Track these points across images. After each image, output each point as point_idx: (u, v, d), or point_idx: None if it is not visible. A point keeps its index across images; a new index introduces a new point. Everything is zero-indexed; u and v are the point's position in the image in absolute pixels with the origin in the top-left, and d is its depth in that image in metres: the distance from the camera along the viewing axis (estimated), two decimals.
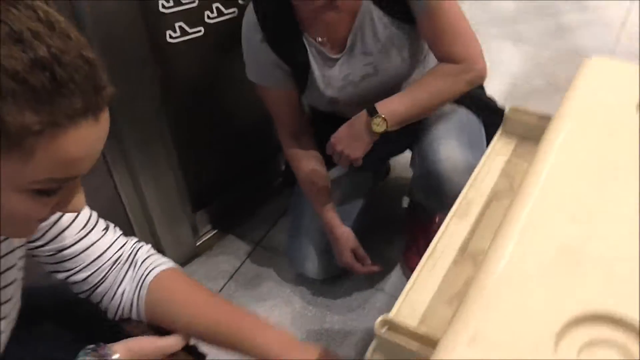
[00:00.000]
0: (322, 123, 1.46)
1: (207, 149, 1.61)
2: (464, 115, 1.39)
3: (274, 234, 1.78)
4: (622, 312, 0.48)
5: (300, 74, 1.33)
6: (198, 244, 1.69)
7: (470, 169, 1.30)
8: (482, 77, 1.27)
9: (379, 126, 1.23)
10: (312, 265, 1.53)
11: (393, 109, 1.24)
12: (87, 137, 0.55)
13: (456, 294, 0.66)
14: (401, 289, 0.67)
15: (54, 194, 0.58)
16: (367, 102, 1.29)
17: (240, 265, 1.68)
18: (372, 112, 1.24)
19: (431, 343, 0.58)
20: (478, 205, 0.76)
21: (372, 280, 1.61)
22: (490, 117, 1.43)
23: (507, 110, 0.87)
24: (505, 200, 0.76)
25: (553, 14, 3.01)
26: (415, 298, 0.66)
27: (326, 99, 1.35)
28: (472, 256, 0.70)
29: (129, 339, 0.77)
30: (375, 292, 1.59)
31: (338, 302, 1.57)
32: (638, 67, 0.78)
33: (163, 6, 1.27)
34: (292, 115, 1.42)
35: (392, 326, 0.60)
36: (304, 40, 1.29)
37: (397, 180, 1.93)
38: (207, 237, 1.72)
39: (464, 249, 0.71)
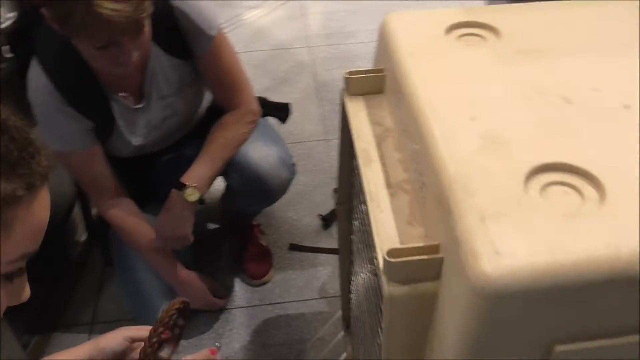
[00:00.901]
0: (127, 165, 1.42)
1: None
2: None
3: (104, 305, 1.64)
4: (576, 161, 0.63)
5: (105, 128, 1.29)
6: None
7: (282, 161, 1.43)
8: (258, 115, 1.41)
9: (192, 195, 1.30)
10: None
11: (198, 175, 1.31)
12: (47, 201, 0.57)
13: (412, 215, 0.75)
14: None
15: (17, 277, 0.57)
16: (170, 138, 1.34)
17: None
18: (180, 187, 1.28)
19: (436, 248, 0.66)
20: (374, 149, 0.85)
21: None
22: (276, 113, 1.57)
23: (345, 75, 0.98)
24: (392, 137, 0.87)
25: None
26: (384, 235, 0.73)
27: (133, 147, 1.34)
28: (399, 186, 0.79)
29: None
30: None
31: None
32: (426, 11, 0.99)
33: None
34: (105, 173, 1.35)
35: (398, 252, 0.66)
36: (108, 96, 1.26)
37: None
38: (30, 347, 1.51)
39: (390, 185, 0.80)
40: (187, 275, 1.46)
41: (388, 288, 0.66)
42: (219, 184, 1.95)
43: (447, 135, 0.70)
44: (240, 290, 1.66)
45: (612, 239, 0.57)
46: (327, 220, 1.85)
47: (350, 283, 1.29)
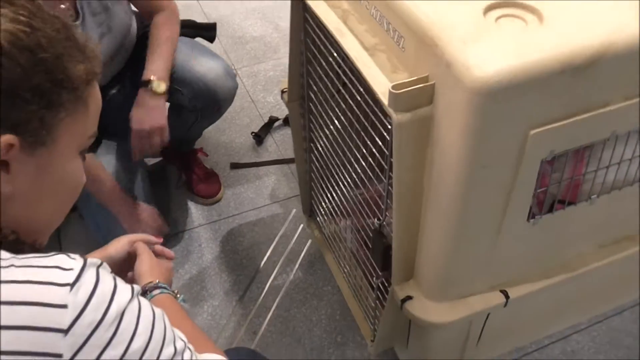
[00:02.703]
0: None
1: None
2: (188, 41, 1.59)
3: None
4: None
5: None
6: None
7: (227, 71, 1.56)
8: (178, 13, 1.53)
9: (159, 87, 1.39)
10: None
11: (157, 69, 1.40)
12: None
13: (394, 66, 0.92)
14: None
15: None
16: (109, 68, 1.40)
17: None
18: (146, 84, 1.37)
19: (426, 79, 0.84)
20: (342, 26, 1.01)
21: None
22: (204, 33, 1.68)
23: None
24: (352, 15, 1.03)
25: None
26: (379, 83, 0.90)
27: None
28: (374, 48, 0.96)
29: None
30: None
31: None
32: None
33: None
34: None
35: (400, 86, 0.83)
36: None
37: None
38: None
39: (366, 49, 0.97)
40: (147, 211, 1.55)
41: (396, 117, 0.84)
42: None
43: None
44: (197, 211, 1.78)
45: (552, 43, 0.79)
46: (259, 137, 1.99)
47: (310, 169, 1.46)
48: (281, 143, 2.00)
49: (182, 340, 0.64)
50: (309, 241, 1.66)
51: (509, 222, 0.94)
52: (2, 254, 0.55)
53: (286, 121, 2.05)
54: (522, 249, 1.01)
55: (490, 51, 0.78)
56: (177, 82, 1.50)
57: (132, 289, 0.60)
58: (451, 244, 0.95)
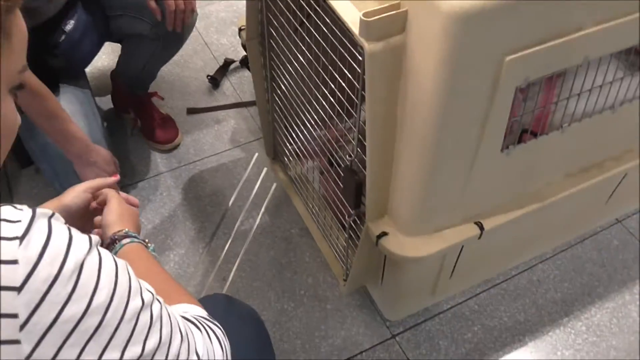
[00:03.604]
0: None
1: None
2: None
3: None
4: None
5: None
6: None
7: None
8: None
9: None
10: None
11: None
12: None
13: None
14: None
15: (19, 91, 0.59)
16: None
17: None
18: None
19: (398, 5, 0.80)
20: None
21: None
22: None
23: None
24: None
25: None
26: (349, 13, 0.85)
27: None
28: None
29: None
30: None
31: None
32: None
33: None
34: None
35: (371, 13, 0.79)
36: None
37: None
38: None
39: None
40: (101, 154, 1.48)
41: (368, 46, 0.80)
42: (108, 64, 1.93)
43: None
44: (156, 158, 1.72)
45: None
46: (216, 80, 1.92)
47: (273, 109, 1.42)
48: (238, 86, 1.93)
49: (150, 291, 0.60)
50: (274, 184, 1.63)
51: (483, 153, 0.93)
52: None
53: (242, 63, 1.98)
54: (496, 180, 1.01)
55: None
56: (139, 10, 1.41)
57: (90, 239, 0.55)
58: (426, 177, 0.93)
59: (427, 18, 0.77)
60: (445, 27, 0.74)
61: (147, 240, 0.83)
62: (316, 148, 1.26)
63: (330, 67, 1.02)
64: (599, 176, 1.13)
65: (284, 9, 1.12)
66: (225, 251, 1.50)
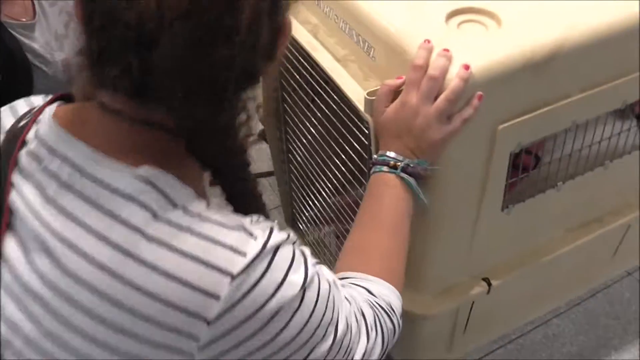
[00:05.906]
0: None
1: None
2: None
3: None
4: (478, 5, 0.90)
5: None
6: None
7: None
8: None
9: None
10: None
11: None
12: None
13: (366, 75, 0.98)
14: None
15: None
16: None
17: None
18: None
19: None
20: (313, 39, 1.07)
21: None
22: None
23: None
24: (321, 29, 1.09)
25: None
26: (353, 90, 0.95)
27: (58, 67, 1.37)
28: (345, 59, 1.02)
29: None
30: None
31: None
32: None
33: None
34: None
35: (374, 93, 0.89)
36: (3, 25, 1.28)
37: None
38: None
39: (338, 60, 1.02)
40: None
41: (372, 121, 0.90)
42: None
43: (383, 10, 0.94)
44: None
45: (512, 43, 0.86)
46: None
47: (290, 179, 1.51)
48: (256, 158, 2.03)
49: (350, 320, 0.62)
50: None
51: (484, 214, 1.00)
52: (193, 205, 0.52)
53: (260, 136, 2.09)
54: (499, 238, 1.07)
55: (456, 54, 0.84)
56: None
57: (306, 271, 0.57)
58: (430, 239, 1.00)
59: None
60: None
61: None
62: (331, 214, 1.34)
63: (340, 140, 1.11)
64: (598, 230, 1.19)
65: (297, 88, 1.23)
66: None
